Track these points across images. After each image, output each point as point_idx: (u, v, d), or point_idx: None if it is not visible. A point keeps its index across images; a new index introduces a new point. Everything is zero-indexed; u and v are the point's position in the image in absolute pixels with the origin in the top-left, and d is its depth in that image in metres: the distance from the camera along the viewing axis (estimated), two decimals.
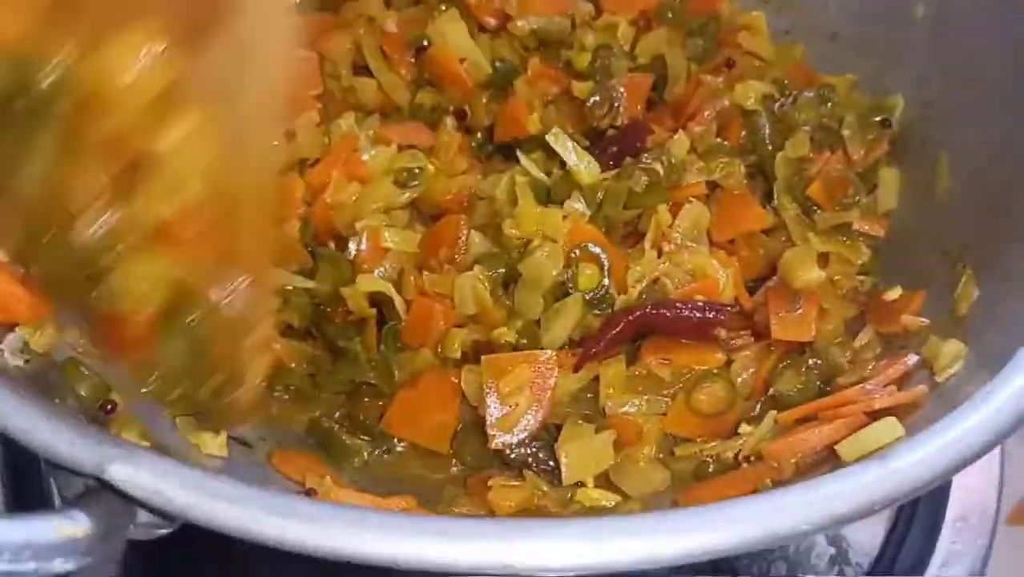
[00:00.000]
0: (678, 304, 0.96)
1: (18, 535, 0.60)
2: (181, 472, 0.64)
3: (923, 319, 0.95)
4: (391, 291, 0.95)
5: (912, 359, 0.91)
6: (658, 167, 1.03)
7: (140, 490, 0.63)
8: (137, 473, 0.63)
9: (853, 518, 0.67)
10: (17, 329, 0.80)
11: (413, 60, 1.15)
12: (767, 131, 1.12)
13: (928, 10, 1.16)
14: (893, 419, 0.80)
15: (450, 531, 0.62)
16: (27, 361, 0.79)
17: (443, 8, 1.15)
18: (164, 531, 0.70)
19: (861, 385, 0.91)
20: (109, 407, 0.84)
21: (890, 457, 0.70)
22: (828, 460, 0.84)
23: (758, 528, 0.63)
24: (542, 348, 0.94)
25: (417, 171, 1.03)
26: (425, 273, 0.97)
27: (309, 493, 0.84)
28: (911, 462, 0.69)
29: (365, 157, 1.02)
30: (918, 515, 1.14)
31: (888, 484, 0.68)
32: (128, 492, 0.64)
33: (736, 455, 0.92)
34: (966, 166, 1.09)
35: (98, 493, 0.66)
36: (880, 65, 1.21)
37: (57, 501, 0.98)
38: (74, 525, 0.62)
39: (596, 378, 0.97)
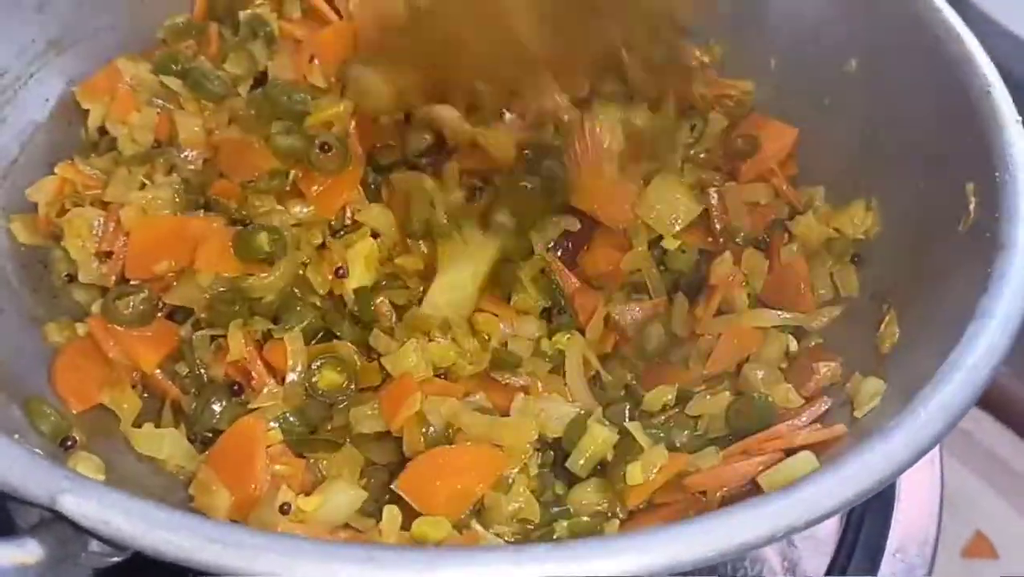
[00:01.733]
0: None
1: None
2: (127, 503, 0.68)
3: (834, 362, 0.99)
4: None
5: (831, 401, 0.96)
6: None
7: (89, 520, 0.68)
8: (86, 504, 0.68)
9: (758, 545, 0.71)
10: None
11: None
12: None
13: (862, 65, 1.22)
14: (809, 453, 0.86)
15: (378, 558, 0.67)
16: None
17: None
18: (117, 559, 0.74)
19: (789, 421, 0.96)
20: (69, 443, 0.88)
21: (794, 489, 0.74)
22: (752, 492, 0.89)
23: (662, 557, 0.68)
24: None
25: None
26: None
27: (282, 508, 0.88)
28: (812, 493, 0.74)
29: None
30: (860, 544, 1.19)
31: (793, 512, 0.73)
32: (78, 522, 0.68)
33: None
34: (895, 209, 1.14)
35: (51, 523, 0.70)
36: (816, 112, 1.27)
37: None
38: (25, 553, 0.67)
39: None
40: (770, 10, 1.32)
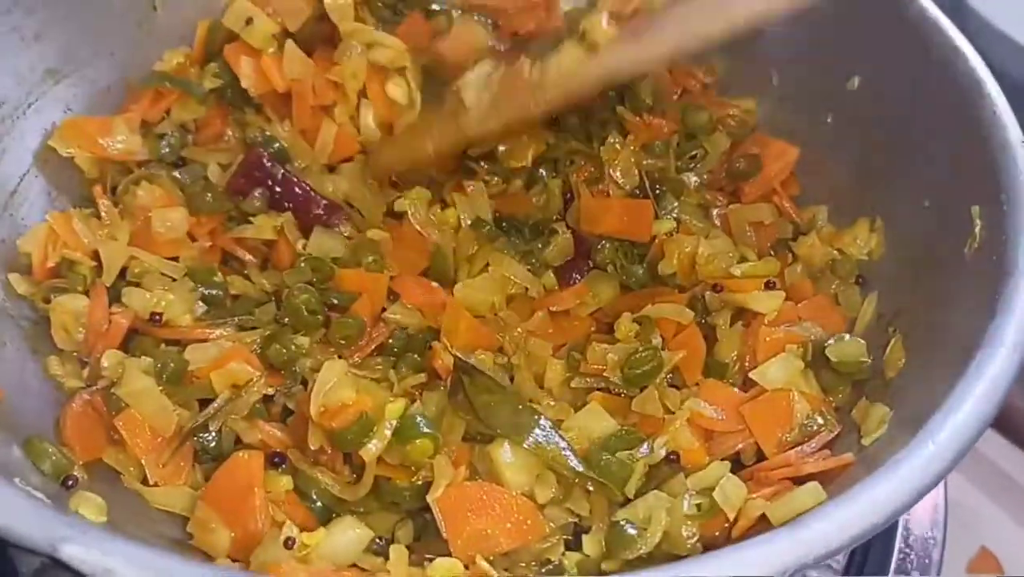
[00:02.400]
0: None
1: None
2: (129, 550, 0.67)
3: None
4: None
5: (839, 427, 0.96)
6: None
7: (90, 568, 0.67)
8: (88, 552, 0.67)
9: None
10: None
11: None
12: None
13: (865, 85, 1.21)
14: (817, 485, 0.85)
15: None
16: None
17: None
18: None
19: (797, 448, 0.95)
20: (70, 482, 0.88)
21: (803, 524, 0.74)
22: (760, 522, 0.88)
23: None
24: None
25: None
26: None
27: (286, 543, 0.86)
28: (822, 529, 0.73)
29: None
30: (867, 561, 1.18)
31: (800, 549, 0.72)
32: (80, 569, 0.67)
33: None
34: (899, 231, 1.14)
35: (53, 570, 0.70)
36: (819, 131, 1.26)
37: None
38: None
39: None
40: (770, 29, 1.31)
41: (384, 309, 1.11)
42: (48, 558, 0.69)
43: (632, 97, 1.28)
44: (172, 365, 0.97)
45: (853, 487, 0.76)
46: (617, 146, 1.24)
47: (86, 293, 1.05)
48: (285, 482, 0.92)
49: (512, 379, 1.07)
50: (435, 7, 1.34)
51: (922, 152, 1.12)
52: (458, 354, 1.02)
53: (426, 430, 0.92)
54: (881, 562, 1.19)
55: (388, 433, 0.91)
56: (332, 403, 0.92)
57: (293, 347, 1.03)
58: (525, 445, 0.94)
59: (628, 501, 0.95)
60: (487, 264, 1.17)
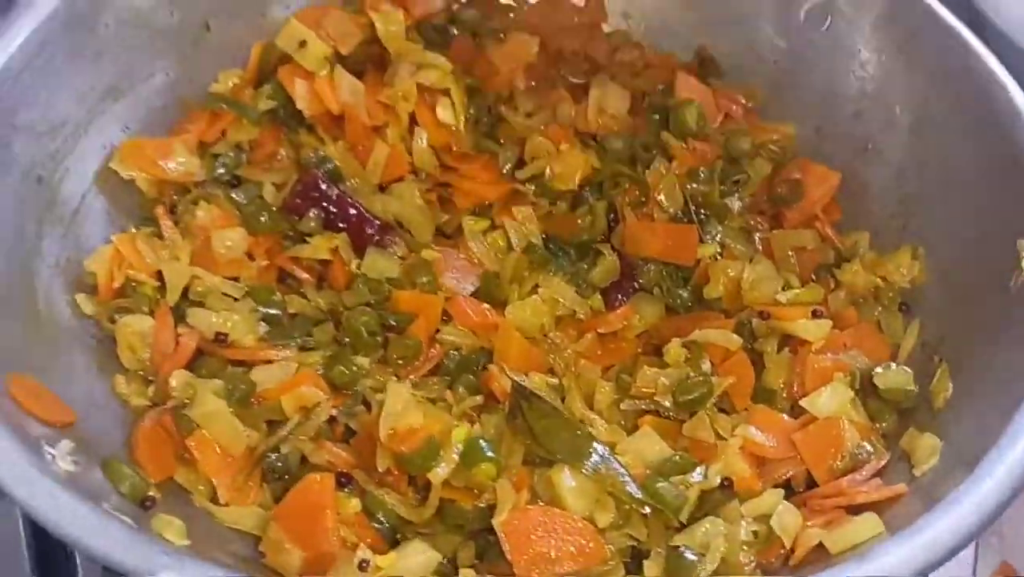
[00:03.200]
0: None
1: None
2: None
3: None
4: None
5: (888, 456, 0.99)
6: None
7: None
8: None
9: None
10: (64, 439, 0.87)
11: None
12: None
13: (907, 112, 1.23)
14: (874, 515, 0.88)
15: None
16: (75, 463, 0.85)
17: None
18: None
19: (849, 476, 0.98)
20: (148, 503, 0.90)
21: (869, 557, 0.77)
22: (816, 551, 0.91)
23: None
24: None
25: None
26: None
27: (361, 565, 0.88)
28: (888, 564, 0.76)
29: None
30: None
31: None
32: None
33: None
34: (942, 259, 1.16)
35: None
36: (859, 157, 1.29)
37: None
38: None
39: None
40: (812, 54, 1.34)
41: (438, 330, 1.13)
42: None
43: (677, 122, 1.30)
44: (242, 387, 0.99)
45: (915, 522, 0.79)
46: (662, 170, 1.26)
47: (150, 313, 1.08)
48: (354, 504, 0.94)
49: (563, 400, 1.09)
50: (482, 29, 1.36)
51: (966, 183, 1.15)
52: (516, 378, 1.04)
53: (490, 454, 0.95)
54: None
55: (455, 457, 0.94)
56: (400, 427, 0.94)
57: (355, 368, 1.05)
58: (584, 471, 0.96)
59: (683, 526, 0.97)
60: (535, 285, 1.20)
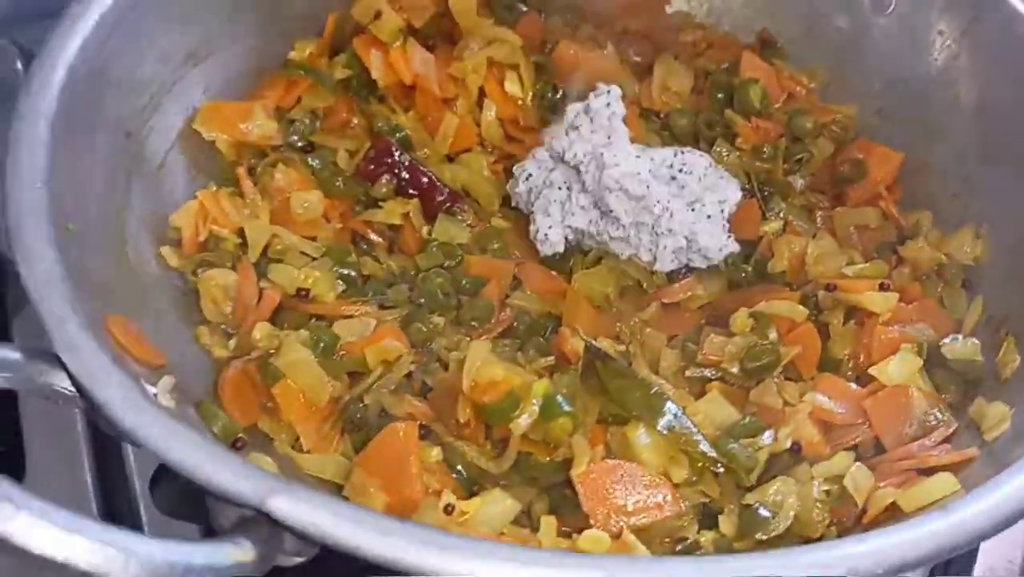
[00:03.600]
0: None
1: (201, 559, 0.68)
2: (335, 507, 0.72)
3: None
4: None
5: (956, 423, 1.01)
6: None
7: (298, 521, 0.72)
8: (297, 506, 0.72)
9: (921, 564, 0.75)
10: (166, 375, 0.89)
11: None
12: None
13: (971, 94, 1.25)
14: (949, 475, 0.89)
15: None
16: (177, 402, 0.88)
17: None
18: (302, 559, 0.78)
19: (919, 441, 0.99)
20: (239, 444, 0.93)
21: (951, 509, 0.78)
22: (888, 511, 0.93)
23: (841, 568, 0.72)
24: None
25: None
26: None
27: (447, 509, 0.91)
28: (972, 513, 0.77)
29: None
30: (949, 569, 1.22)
31: (952, 533, 0.77)
32: (287, 523, 0.72)
33: None
34: (1005, 238, 1.18)
35: (251, 523, 0.75)
36: (921, 138, 1.30)
37: (144, 517, 1.09)
38: (243, 552, 0.71)
39: None
40: (874, 36, 1.35)
41: (507, 296, 1.16)
42: (253, 510, 0.74)
43: (741, 100, 1.32)
44: (327, 339, 1.02)
45: (993, 477, 0.81)
46: (725, 150, 1.28)
47: (232, 268, 1.10)
48: (436, 453, 0.96)
49: (630, 365, 1.11)
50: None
51: None
52: (589, 340, 1.07)
53: (567, 408, 0.97)
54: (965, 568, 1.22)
55: (536, 409, 0.96)
56: (483, 379, 0.96)
57: (432, 325, 1.08)
58: (658, 428, 0.98)
59: (752, 488, 0.99)
60: (600, 257, 1.22)
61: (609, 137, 1.22)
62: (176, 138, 1.17)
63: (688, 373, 1.12)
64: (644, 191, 1.17)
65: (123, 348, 0.88)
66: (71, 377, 0.80)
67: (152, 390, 0.87)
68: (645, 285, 1.21)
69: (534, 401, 0.96)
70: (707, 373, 1.11)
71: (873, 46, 1.36)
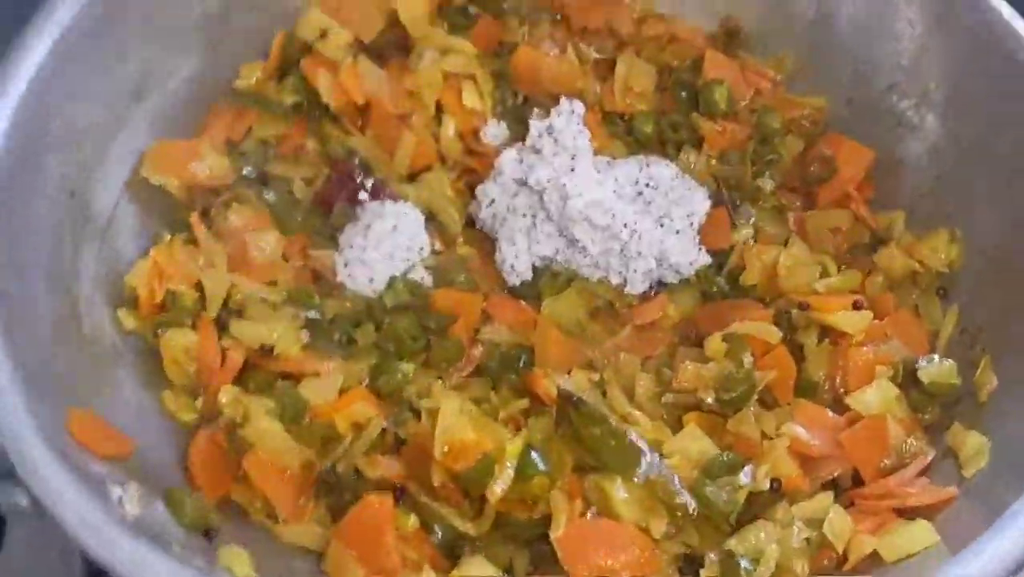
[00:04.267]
0: None
1: None
2: None
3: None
4: None
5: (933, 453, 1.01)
6: None
7: None
8: None
9: None
10: (132, 481, 0.87)
11: None
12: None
13: (942, 87, 1.22)
14: (927, 524, 0.89)
15: None
16: (143, 505, 0.86)
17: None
18: None
19: (897, 474, 0.99)
20: (211, 533, 0.91)
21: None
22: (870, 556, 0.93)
23: None
24: None
25: None
26: None
27: None
28: None
29: None
30: None
31: None
32: None
33: None
34: (980, 241, 1.16)
35: None
36: (892, 133, 1.27)
37: None
38: None
39: None
40: (843, 23, 1.31)
41: (476, 330, 1.13)
42: None
43: (706, 103, 1.28)
44: (294, 405, 0.99)
45: (977, 540, 0.80)
46: (692, 156, 1.25)
47: (192, 326, 1.07)
48: (413, 521, 0.95)
49: (604, 394, 1.10)
50: (505, 6, 1.33)
51: (1000, 160, 1.14)
52: (561, 384, 1.05)
53: (542, 468, 0.96)
54: None
55: (511, 472, 0.94)
56: (455, 443, 0.95)
57: (399, 375, 1.05)
58: (635, 479, 0.97)
59: (733, 529, 0.99)
60: (570, 279, 1.19)
61: (573, 157, 1.18)
62: (123, 188, 1.12)
63: (665, 400, 1.10)
64: (610, 220, 1.14)
65: (86, 447, 0.86)
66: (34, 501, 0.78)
67: (118, 493, 0.84)
68: (617, 305, 1.19)
69: (508, 464, 0.95)
70: (683, 399, 1.10)
71: (842, 34, 1.31)
